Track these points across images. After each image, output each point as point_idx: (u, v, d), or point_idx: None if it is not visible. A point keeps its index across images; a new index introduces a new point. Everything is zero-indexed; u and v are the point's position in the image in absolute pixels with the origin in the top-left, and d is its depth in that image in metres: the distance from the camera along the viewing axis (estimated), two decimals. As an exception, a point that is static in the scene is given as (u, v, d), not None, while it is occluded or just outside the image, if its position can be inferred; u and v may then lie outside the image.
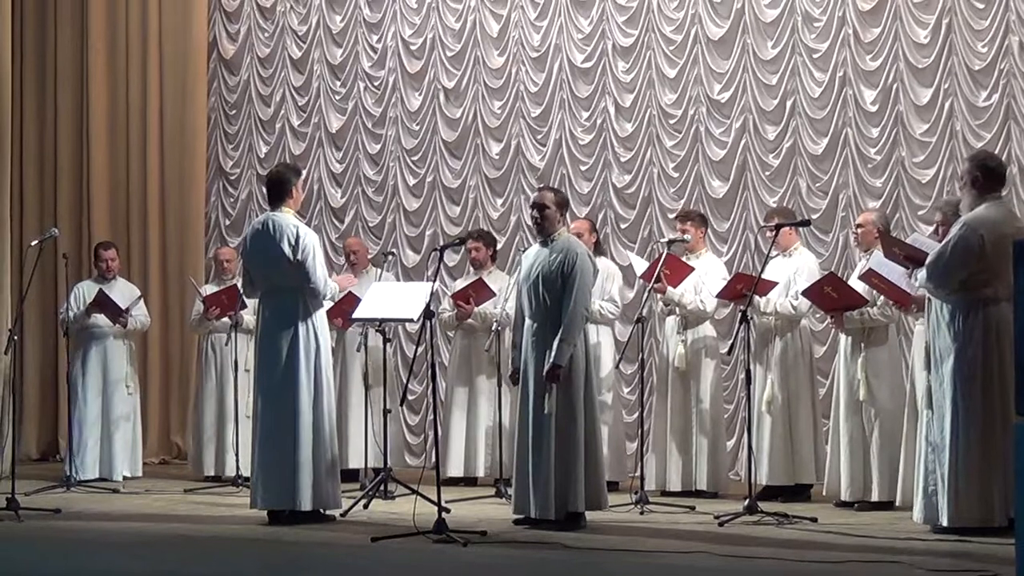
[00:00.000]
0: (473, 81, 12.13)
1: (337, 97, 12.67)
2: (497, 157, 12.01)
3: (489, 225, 11.72)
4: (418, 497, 8.39)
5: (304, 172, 10.26)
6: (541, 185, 10.82)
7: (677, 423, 9.75)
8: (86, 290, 11.19)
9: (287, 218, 8.63)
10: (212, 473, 11.12)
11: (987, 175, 7.80)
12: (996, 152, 9.57)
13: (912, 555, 7.06)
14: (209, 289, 11.20)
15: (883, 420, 8.91)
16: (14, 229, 12.42)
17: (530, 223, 9.36)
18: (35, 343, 12.89)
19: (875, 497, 8.90)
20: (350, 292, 9.82)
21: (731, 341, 8.94)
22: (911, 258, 8.00)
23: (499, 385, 10.00)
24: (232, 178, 13.06)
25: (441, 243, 10.73)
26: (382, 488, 9.45)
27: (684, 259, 9.73)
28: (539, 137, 11.86)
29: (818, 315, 10.04)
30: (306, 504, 8.44)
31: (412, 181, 12.34)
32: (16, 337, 9.71)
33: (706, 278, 9.76)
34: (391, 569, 7.17)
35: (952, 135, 10.34)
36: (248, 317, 10.71)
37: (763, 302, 9.41)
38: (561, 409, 8.16)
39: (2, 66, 11.64)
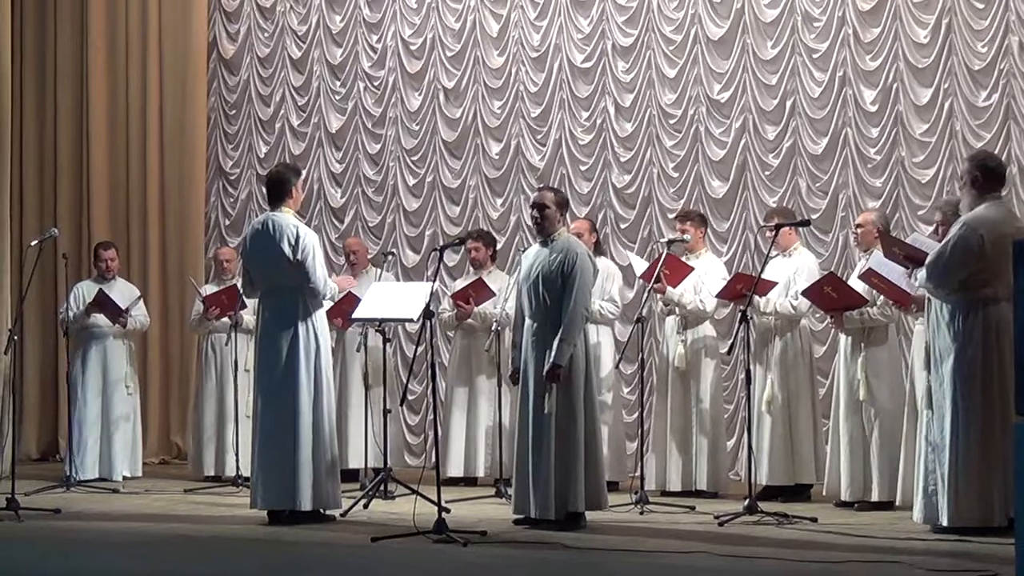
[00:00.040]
0: (473, 81, 12.13)
1: (337, 97, 12.67)
2: (497, 157, 12.01)
3: (489, 225, 11.72)
4: (418, 497, 8.39)
5: (304, 172, 10.26)
6: (541, 185, 10.82)
7: (677, 423, 9.75)
8: (85, 290, 11.18)
9: (287, 218, 8.63)
10: (212, 473, 11.12)
11: (987, 175, 7.80)
12: (996, 152, 9.57)
13: (912, 555, 7.06)
14: (209, 289, 11.20)
15: (883, 420, 8.91)
16: (14, 229, 12.42)
17: (530, 223, 9.37)
18: (35, 343, 12.89)
19: (875, 497, 8.90)
20: (350, 292, 9.82)
21: (731, 341, 8.94)
22: (911, 258, 8.00)
23: (499, 385, 10.00)
24: (232, 178, 13.06)
25: (441, 243, 10.73)
26: (382, 488, 9.45)
27: (684, 259, 9.73)
28: (539, 137, 11.86)
29: (818, 315, 10.04)
30: (306, 504, 8.43)
31: (412, 181, 12.34)
32: (16, 337, 9.71)
33: (706, 278, 9.76)
34: (391, 569, 7.17)
35: (952, 135, 10.34)
36: (248, 317, 10.71)
37: (763, 302, 9.41)
38: (561, 409, 8.16)
39: (2, 65, 11.64)
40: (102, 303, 10.93)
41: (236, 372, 10.74)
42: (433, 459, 8.09)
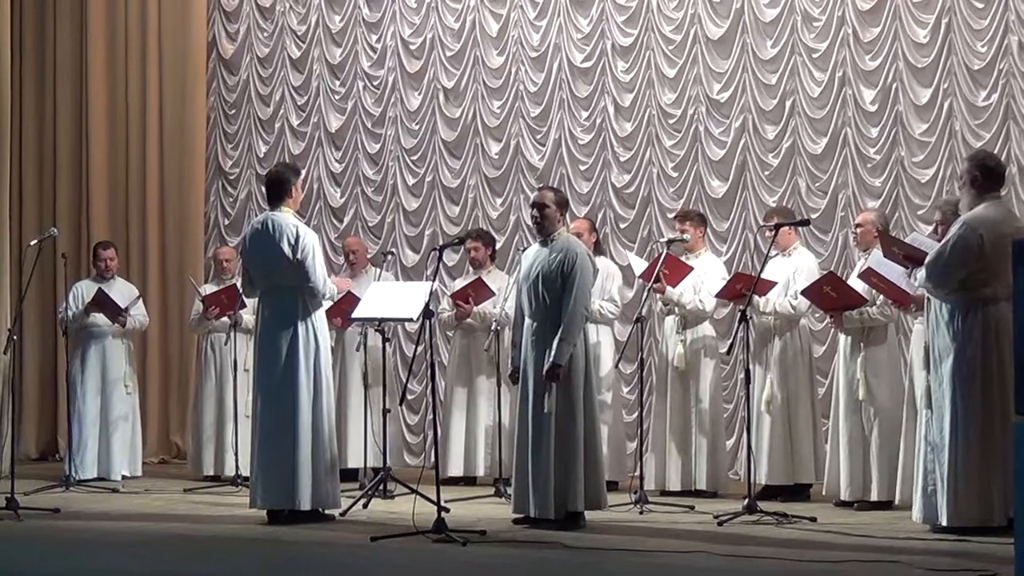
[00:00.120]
0: (472, 81, 12.13)
1: (336, 97, 12.67)
2: (496, 157, 12.00)
3: (488, 225, 11.72)
4: (417, 497, 8.38)
5: (303, 172, 10.26)
6: (541, 185, 10.83)
7: (676, 423, 9.75)
8: (85, 289, 11.18)
9: (287, 218, 8.63)
10: (211, 473, 11.11)
11: (986, 175, 7.80)
12: (995, 152, 9.57)
13: (911, 555, 7.06)
14: (208, 289, 11.20)
15: (882, 419, 8.91)
16: (13, 228, 12.42)
17: (530, 223, 9.37)
18: (34, 342, 12.89)
19: (874, 496, 8.90)
20: (350, 292, 9.82)
21: (730, 341, 8.95)
22: (910, 257, 8.00)
23: (498, 384, 10.00)
24: (231, 178, 13.06)
25: (440, 243, 10.74)
26: (381, 488, 9.45)
27: (683, 259, 9.73)
28: (538, 137, 11.86)
29: (817, 315, 10.04)
30: (305, 504, 8.43)
31: (411, 181, 12.34)
32: (15, 336, 9.72)
33: (705, 278, 9.76)
34: (390, 569, 7.16)
35: (951, 135, 10.34)
36: (247, 317, 10.70)
37: (762, 302, 9.40)
38: (561, 408, 8.16)
39: (1, 65, 11.64)
40: (101, 302, 10.93)
41: (235, 372, 10.74)
42: (432, 459, 8.09)
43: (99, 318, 11.03)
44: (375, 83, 12.52)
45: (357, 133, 12.57)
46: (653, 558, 7.18)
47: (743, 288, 9.12)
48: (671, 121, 11.37)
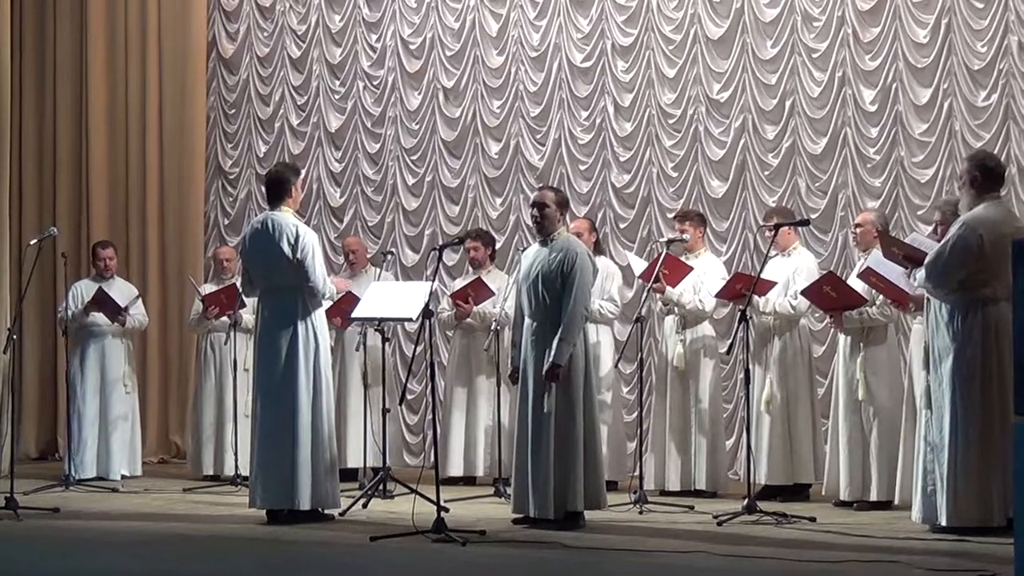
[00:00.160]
0: (472, 80, 12.13)
1: (336, 96, 12.67)
2: (496, 157, 12.00)
3: (488, 225, 11.72)
4: (417, 496, 8.38)
5: (303, 171, 10.25)
6: (541, 184, 10.83)
7: (676, 423, 9.75)
8: (84, 289, 11.18)
9: (286, 217, 8.63)
10: (211, 472, 11.11)
11: (986, 175, 7.80)
12: (995, 152, 9.57)
13: (911, 555, 7.06)
14: (208, 288, 11.20)
15: (882, 419, 8.91)
16: (13, 228, 12.43)
17: (530, 222, 9.36)
18: (34, 342, 12.89)
19: (874, 496, 8.90)
20: (349, 292, 9.83)
21: (730, 341, 8.95)
22: (910, 258, 7.99)
23: (498, 384, 10.00)
24: (231, 177, 13.06)
25: (440, 242, 10.73)
26: (381, 487, 9.45)
27: (683, 259, 9.73)
28: (538, 137, 11.86)
29: (817, 315, 10.04)
30: (305, 503, 8.43)
31: (411, 180, 12.34)
32: (15, 336, 9.71)
33: (705, 278, 9.76)
34: (390, 569, 7.16)
35: (951, 135, 10.34)
36: (247, 316, 10.70)
37: (762, 302, 9.40)
38: (560, 408, 8.16)
39: (1, 64, 11.64)
40: (101, 302, 10.93)
41: (235, 371, 10.74)
42: (432, 458, 8.08)
43: (99, 317, 11.03)
44: (375, 83, 12.52)
45: (357, 133, 12.57)
46: (653, 558, 7.18)
47: (743, 288, 9.12)
48: (671, 121, 11.37)
